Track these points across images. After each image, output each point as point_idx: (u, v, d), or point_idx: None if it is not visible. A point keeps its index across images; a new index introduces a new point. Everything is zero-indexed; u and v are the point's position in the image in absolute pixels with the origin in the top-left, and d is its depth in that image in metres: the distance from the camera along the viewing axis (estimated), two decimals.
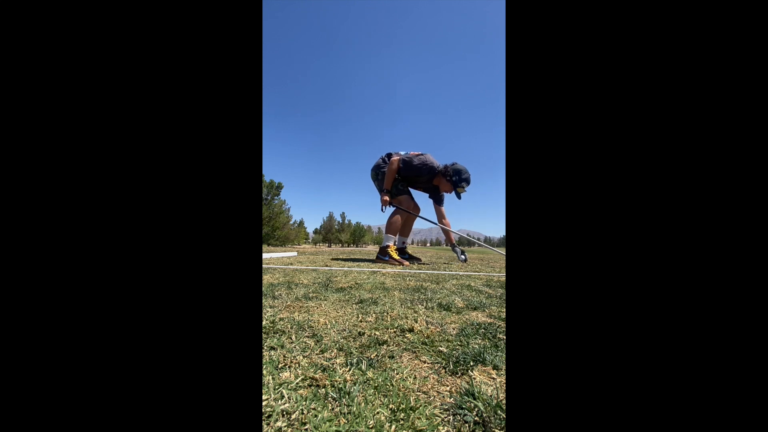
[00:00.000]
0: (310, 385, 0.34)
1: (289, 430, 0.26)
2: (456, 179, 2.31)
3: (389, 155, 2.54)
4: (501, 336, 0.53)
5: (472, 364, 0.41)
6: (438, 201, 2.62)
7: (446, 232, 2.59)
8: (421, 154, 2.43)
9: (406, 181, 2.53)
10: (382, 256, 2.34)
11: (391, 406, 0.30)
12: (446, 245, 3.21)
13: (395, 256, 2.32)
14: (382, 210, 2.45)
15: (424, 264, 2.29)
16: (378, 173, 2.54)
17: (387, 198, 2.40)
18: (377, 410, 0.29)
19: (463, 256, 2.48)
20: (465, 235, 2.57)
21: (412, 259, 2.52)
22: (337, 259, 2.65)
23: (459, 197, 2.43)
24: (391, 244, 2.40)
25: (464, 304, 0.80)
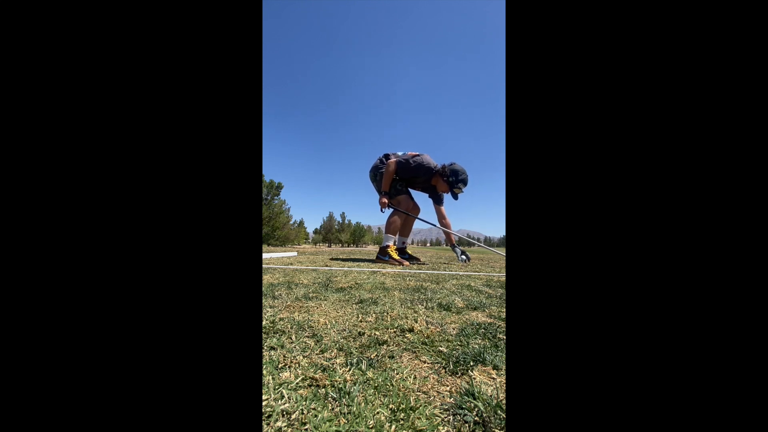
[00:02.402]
0: (310, 385, 0.34)
1: (289, 430, 0.26)
2: (453, 180, 2.31)
3: (387, 156, 2.54)
4: (501, 336, 0.53)
5: (472, 364, 0.41)
6: (437, 201, 2.61)
7: (446, 233, 2.59)
8: (418, 155, 2.42)
9: (405, 181, 2.53)
10: (382, 256, 2.34)
11: (391, 406, 0.30)
12: (446, 245, 3.20)
13: (395, 256, 2.32)
14: (381, 211, 2.45)
15: (423, 264, 2.29)
16: (376, 174, 2.54)
17: (386, 200, 2.39)
18: (377, 410, 0.29)
19: (463, 257, 2.48)
20: (465, 236, 2.57)
21: (412, 259, 2.52)
22: (336, 259, 2.65)
23: (456, 198, 2.43)
24: (390, 244, 2.40)
25: (464, 304, 0.80)
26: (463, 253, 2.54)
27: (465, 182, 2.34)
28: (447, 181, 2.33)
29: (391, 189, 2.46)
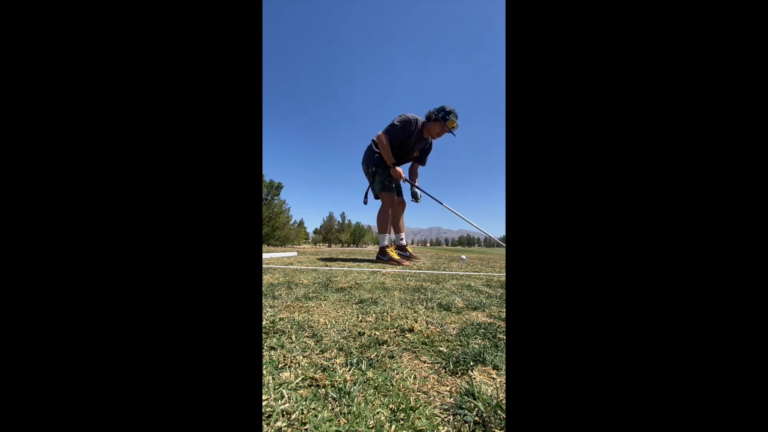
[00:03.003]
0: (310, 385, 0.34)
1: (289, 430, 0.26)
2: (442, 114, 2.29)
3: (373, 141, 2.52)
4: (501, 336, 0.53)
5: (472, 364, 0.41)
6: (421, 161, 2.66)
7: (411, 185, 2.62)
8: (398, 117, 2.41)
9: (400, 149, 2.48)
10: (382, 256, 2.33)
11: (391, 406, 0.30)
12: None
13: (395, 255, 2.32)
14: (402, 183, 2.39)
15: (423, 263, 2.29)
16: (369, 166, 2.50)
17: (399, 169, 2.36)
18: (377, 410, 0.29)
19: (414, 199, 2.55)
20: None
21: (411, 257, 2.51)
22: (334, 259, 2.64)
23: (454, 134, 2.39)
24: (387, 243, 2.39)
25: (464, 304, 0.80)
26: (417, 195, 2.58)
27: (455, 114, 2.30)
28: (438, 119, 2.31)
29: (379, 184, 2.43)
